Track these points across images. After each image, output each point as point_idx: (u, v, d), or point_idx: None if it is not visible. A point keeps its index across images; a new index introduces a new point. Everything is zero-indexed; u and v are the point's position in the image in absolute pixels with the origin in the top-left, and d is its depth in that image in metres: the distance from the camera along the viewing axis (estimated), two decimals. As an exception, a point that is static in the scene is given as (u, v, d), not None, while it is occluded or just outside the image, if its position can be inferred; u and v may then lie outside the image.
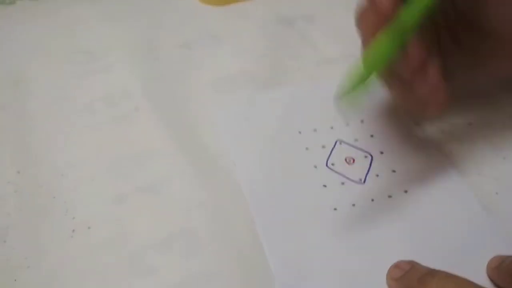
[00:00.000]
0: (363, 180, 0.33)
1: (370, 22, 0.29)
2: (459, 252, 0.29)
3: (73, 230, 0.30)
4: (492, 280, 0.28)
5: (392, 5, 0.28)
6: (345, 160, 0.34)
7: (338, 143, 0.35)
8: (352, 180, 0.33)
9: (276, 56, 0.44)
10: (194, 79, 0.41)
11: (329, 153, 0.34)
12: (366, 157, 0.34)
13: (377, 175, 0.33)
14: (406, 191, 0.32)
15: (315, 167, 0.33)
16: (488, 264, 0.28)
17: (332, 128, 0.36)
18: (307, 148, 0.35)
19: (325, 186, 0.32)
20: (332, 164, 0.34)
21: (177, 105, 0.39)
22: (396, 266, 0.28)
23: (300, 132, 0.36)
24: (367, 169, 0.33)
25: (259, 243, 0.29)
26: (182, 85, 0.41)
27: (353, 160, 0.34)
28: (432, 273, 0.26)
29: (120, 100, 0.39)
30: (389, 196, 0.32)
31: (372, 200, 0.31)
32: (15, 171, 0.34)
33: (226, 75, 0.42)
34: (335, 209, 0.31)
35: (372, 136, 0.36)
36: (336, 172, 0.33)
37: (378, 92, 0.38)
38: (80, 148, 0.36)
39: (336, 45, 0.45)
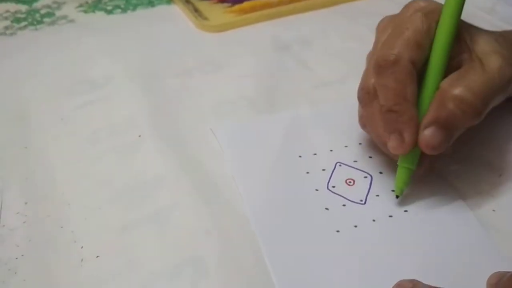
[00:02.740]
0: (364, 201, 0.33)
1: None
2: (459, 270, 0.29)
3: (82, 260, 0.31)
4: (492, 296, 0.28)
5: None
6: (346, 181, 0.35)
7: (338, 165, 0.36)
8: (353, 201, 0.33)
9: (274, 81, 0.45)
10: (195, 106, 0.42)
11: (329, 176, 0.35)
12: (365, 177, 0.35)
13: (377, 195, 0.34)
14: (406, 211, 0.33)
15: (317, 190, 0.34)
16: (488, 281, 0.29)
17: (331, 151, 0.37)
18: (308, 172, 0.35)
19: (327, 209, 0.33)
20: (333, 187, 0.34)
21: (180, 132, 0.40)
22: (399, 285, 0.28)
23: (300, 156, 0.37)
24: (368, 189, 0.34)
25: (266, 269, 0.30)
26: (184, 113, 0.42)
27: (353, 182, 0.35)
28: (434, 292, 0.27)
29: (123, 129, 0.40)
30: (390, 216, 0.32)
31: (374, 220, 0.32)
32: (22, 202, 0.34)
33: (226, 101, 0.43)
34: (337, 231, 0.31)
35: (370, 157, 0.37)
36: (337, 194, 0.34)
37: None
38: (85, 178, 0.36)
39: (332, 69, 0.47)
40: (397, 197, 0.33)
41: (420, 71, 0.32)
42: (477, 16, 0.54)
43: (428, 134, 0.31)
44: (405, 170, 0.32)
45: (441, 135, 0.30)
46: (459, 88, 0.30)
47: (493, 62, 0.31)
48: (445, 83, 0.31)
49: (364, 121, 0.35)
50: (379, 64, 0.31)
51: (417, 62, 0.31)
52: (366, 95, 0.33)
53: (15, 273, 0.30)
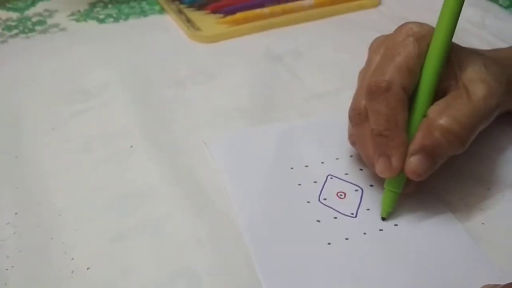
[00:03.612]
0: (355, 214, 0.34)
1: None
2: (450, 282, 0.30)
3: (72, 271, 0.30)
4: (482, 309, 0.29)
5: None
6: (337, 194, 0.35)
7: (329, 178, 0.36)
8: (344, 215, 0.34)
9: (266, 92, 0.45)
10: (187, 116, 0.43)
11: (321, 188, 0.35)
12: (356, 190, 0.35)
13: (368, 209, 0.34)
14: (396, 225, 0.33)
15: (308, 202, 0.34)
16: (478, 294, 0.29)
17: (323, 163, 0.37)
18: (299, 184, 0.36)
19: (318, 221, 0.33)
20: (325, 199, 0.35)
21: (172, 142, 0.40)
22: (390, 298, 0.29)
23: (292, 168, 0.37)
24: (358, 203, 0.34)
25: (258, 279, 0.30)
26: (176, 123, 0.42)
27: (345, 195, 0.35)
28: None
29: (116, 139, 0.40)
30: (380, 230, 0.33)
31: (364, 233, 0.32)
32: (13, 212, 0.34)
33: (219, 111, 0.43)
34: (329, 243, 0.32)
35: (361, 169, 0.37)
36: (328, 206, 0.34)
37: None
38: (77, 188, 0.36)
39: (324, 80, 0.47)
40: (383, 219, 0.33)
41: (411, 96, 0.32)
42: (467, 31, 0.55)
43: (414, 161, 0.31)
44: (392, 193, 0.33)
45: (427, 163, 0.31)
46: (445, 118, 0.31)
47: (479, 91, 0.32)
48: (433, 111, 0.32)
49: (354, 139, 0.36)
50: (371, 90, 0.32)
51: (408, 88, 0.32)
52: (357, 116, 0.34)
53: (5, 284, 0.30)
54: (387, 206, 0.33)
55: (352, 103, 0.35)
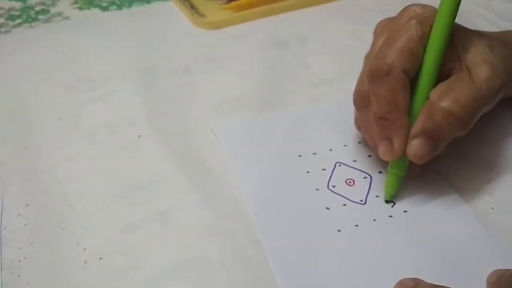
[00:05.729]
0: (364, 201, 0.34)
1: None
2: (460, 268, 0.30)
3: (85, 261, 0.31)
4: (491, 294, 0.29)
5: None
6: (346, 181, 0.35)
7: (337, 165, 0.36)
8: (354, 202, 0.34)
9: (273, 78, 0.45)
10: (194, 104, 0.42)
11: (329, 175, 0.35)
12: (365, 177, 0.35)
13: (377, 196, 0.34)
14: (405, 211, 0.33)
15: (317, 189, 0.34)
16: (488, 279, 0.29)
17: (331, 150, 0.37)
18: (308, 171, 0.36)
19: (328, 208, 0.33)
20: (333, 186, 0.35)
21: (180, 130, 0.40)
22: (401, 284, 0.29)
23: (300, 156, 0.37)
24: (367, 190, 0.34)
25: (269, 267, 0.30)
26: (184, 111, 0.42)
27: (353, 182, 0.35)
28: (435, 289, 0.28)
29: (123, 128, 0.40)
30: (390, 216, 0.33)
31: (374, 220, 0.33)
32: (24, 204, 0.34)
33: (226, 99, 0.43)
34: (339, 230, 0.32)
35: (370, 156, 0.37)
36: (337, 194, 0.34)
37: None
38: (85, 178, 0.36)
39: (331, 66, 0.47)
40: (386, 201, 0.33)
41: (413, 78, 0.32)
42: (473, 12, 0.54)
43: (415, 144, 0.31)
44: (395, 176, 0.33)
45: (428, 146, 0.31)
46: (447, 100, 0.31)
47: (482, 72, 0.31)
48: (435, 94, 0.32)
49: (359, 124, 0.36)
50: (372, 74, 0.32)
51: (410, 71, 0.32)
52: (361, 99, 0.34)
53: (19, 276, 0.30)
54: (391, 188, 0.33)
55: (356, 87, 0.35)
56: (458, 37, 0.33)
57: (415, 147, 0.31)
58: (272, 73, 0.46)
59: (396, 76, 0.31)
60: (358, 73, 0.36)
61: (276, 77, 0.45)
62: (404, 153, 0.32)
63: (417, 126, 0.31)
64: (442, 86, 0.32)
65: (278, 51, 0.49)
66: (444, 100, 0.31)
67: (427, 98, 0.32)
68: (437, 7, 0.32)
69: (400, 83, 0.31)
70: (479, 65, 0.32)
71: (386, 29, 0.35)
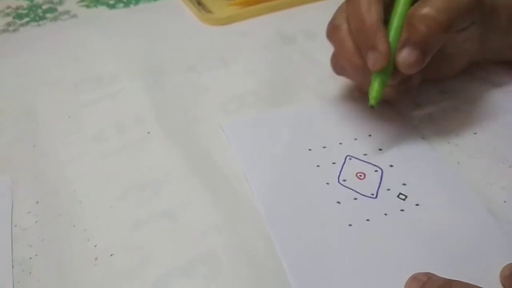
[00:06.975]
0: (375, 195, 0.33)
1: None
2: (472, 262, 0.30)
3: (96, 258, 0.31)
4: (505, 288, 0.28)
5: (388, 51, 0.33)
6: (356, 175, 0.35)
7: (348, 158, 0.36)
8: (365, 195, 0.33)
9: (280, 74, 0.45)
10: (202, 101, 0.42)
11: (340, 169, 0.35)
12: (376, 171, 0.35)
13: (388, 189, 0.34)
14: (417, 205, 0.33)
15: (328, 183, 0.34)
16: (501, 272, 0.29)
17: (341, 144, 0.37)
18: (318, 165, 0.35)
19: (338, 202, 0.33)
20: (344, 180, 0.34)
21: (188, 128, 0.40)
22: (414, 278, 0.28)
23: (310, 150, 0.37)
24: (378, 183, 0.34)
25: (279, 263, 0.30)
26: (191, 108, 0.42)
27: (364, 175, 0.35)
28: (448, 284, 0.27)
29: (131, 126, 0.40)
30: (402, 210, 0.32)
31: (386, 214, 0.32)
32: (34, 201, 0.34)
33: (234, 95, 0.43)
34: (350, 225, 0.32)
35: (380, 149, 0.37)
36: (348, 188, 0.34)
37: (382, 106, 0.39)
38: (95, 175, 0.36)
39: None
40: (371, 107, 0.34)
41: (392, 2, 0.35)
42: None
43: (403, 54, 0.34)
44: (379, 80, 0.34)
45: (416, 54, 0.33)
46: (424, 8, 0.33)
47: None
48: (413, 8, 0.34)
49: (336, 58, 0.38)
50: None
51: None
52: (333, 28, 0.37)
53: (30, 273, 0.30)
54: (375, 91, 0.34)
55: (330, 21, 0.38)
56: None
57: (404, 57, 0.33)
58: (280, 69, 0.46)
59: None
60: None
61: (284, 73, 0.45)
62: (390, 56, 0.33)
63: (402, 39, 0.34)
64: (419, 2, 0.34)
65: (286, 47, 0.49)
66: (421, 9, 0.33)
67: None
68: None
69: None
70: None
71: None
